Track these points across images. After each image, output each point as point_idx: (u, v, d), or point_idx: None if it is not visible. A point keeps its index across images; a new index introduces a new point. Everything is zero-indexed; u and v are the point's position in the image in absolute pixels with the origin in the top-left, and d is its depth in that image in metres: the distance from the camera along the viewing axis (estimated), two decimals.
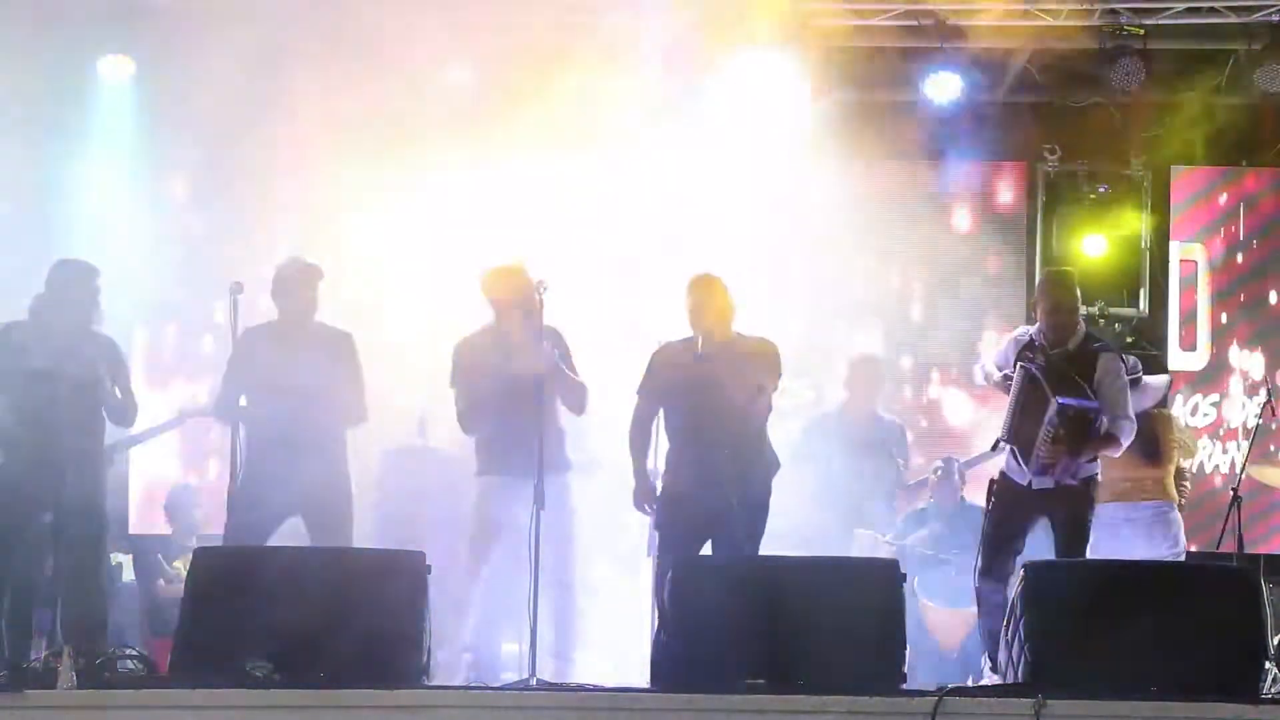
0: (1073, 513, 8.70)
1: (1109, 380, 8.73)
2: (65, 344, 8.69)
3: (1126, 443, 8.76)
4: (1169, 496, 10.08)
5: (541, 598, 8.53)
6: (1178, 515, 10.12)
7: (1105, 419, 8.68)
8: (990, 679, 8.39)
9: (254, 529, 8.76)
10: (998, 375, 9.03)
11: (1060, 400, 8.56)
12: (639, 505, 8.92)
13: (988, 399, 11.36)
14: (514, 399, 8.83)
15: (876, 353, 11.16)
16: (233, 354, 8.98)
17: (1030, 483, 8.71)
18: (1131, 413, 8.81)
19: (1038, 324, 8.96)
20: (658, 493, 8.88)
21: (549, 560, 8.65)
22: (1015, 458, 8.79)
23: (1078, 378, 8.70)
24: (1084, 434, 8.63)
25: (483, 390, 9.01)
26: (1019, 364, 8.83)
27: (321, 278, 9.24)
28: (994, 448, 9.04)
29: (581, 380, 9.12)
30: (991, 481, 8.91)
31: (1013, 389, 8.79)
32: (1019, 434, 8.72)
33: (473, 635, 9.02)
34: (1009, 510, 8.77)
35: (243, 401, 9.02)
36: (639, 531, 9.47)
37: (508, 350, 8.99)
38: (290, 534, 9.04)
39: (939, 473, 11.00)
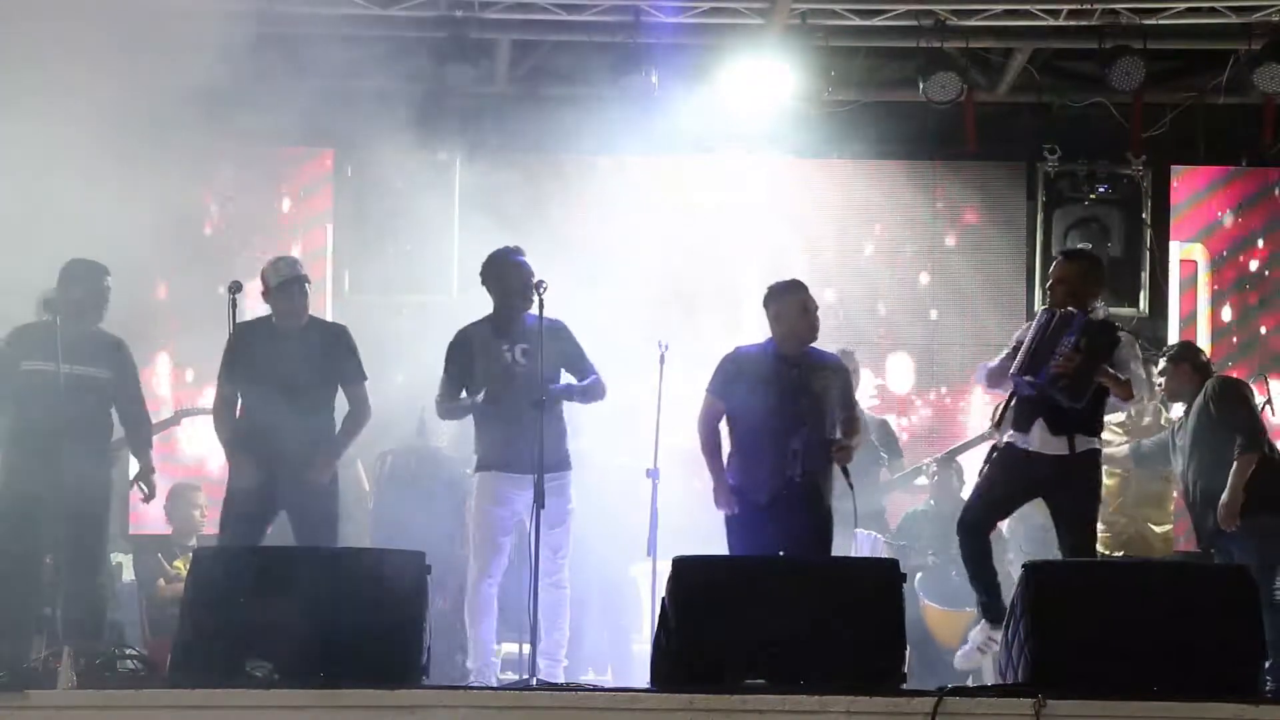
0: (1074, 496, 8.65)
1: (1129, 360, 8.70)
2: (74, 344, 8.68)
3: (1139, 395, 8.78)
4: None
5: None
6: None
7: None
8: (985, 665, 8.38)
9: (249, 529, 8.75)
10: (998, 365, 8.84)
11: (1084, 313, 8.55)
12: (722, 505, 8.70)
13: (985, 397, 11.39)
14: (512, 392, 8.84)
15: (852, 349, 10.96)
16: (226, 352, 8.95)
17: (1035, 446, 8.59)
18: (1144, 387, 8.86)
19: (1049, 302, 8.88)
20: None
21: (544, 560, 8.65)
22: (1015, 408, 8.68)
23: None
24: (1102, 355, 8.56)
25: (476, 379, 9.00)
26: (1041, 310, 8.75)
27: (309, 281, 9.13)
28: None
29: (594, 377, 9.09)
30: (993, 448, 8.81)
31: (1032, 328, 8.64)
32: (1033, 366, 8.55)
33: (493, 636, 9.02)
34: (1008, 472, 8.68)
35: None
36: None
37: (507, 339, 8.99)
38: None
39: (934, 475, 10.98)
